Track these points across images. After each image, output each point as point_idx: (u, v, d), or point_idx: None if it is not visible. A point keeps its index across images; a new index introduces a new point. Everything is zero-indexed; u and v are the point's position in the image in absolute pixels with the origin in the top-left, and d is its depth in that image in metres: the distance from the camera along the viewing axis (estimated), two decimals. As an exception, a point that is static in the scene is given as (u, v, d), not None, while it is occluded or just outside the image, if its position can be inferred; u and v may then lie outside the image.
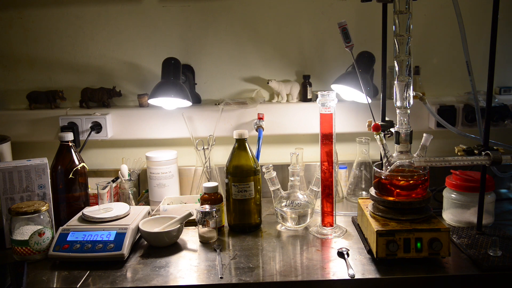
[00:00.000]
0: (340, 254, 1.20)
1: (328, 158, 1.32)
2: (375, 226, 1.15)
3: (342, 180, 1.68)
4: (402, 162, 1.21)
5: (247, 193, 1.36)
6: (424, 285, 1.10)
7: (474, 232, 1.28)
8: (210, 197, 1.38)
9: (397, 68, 1.19)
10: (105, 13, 1.69)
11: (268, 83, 1.67)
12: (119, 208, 1.36)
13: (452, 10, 1.20)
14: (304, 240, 1.31)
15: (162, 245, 1.28)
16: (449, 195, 1.39)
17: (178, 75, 1.60)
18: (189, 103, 1.59)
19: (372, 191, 1.25)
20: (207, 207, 1.31)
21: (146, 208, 1.42)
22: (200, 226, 1.31)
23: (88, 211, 1.33)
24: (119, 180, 1.58)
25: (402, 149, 1.22)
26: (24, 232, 1.21)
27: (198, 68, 1.74)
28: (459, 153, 1.25)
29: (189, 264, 1.18)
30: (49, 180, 1.34)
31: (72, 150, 1.43)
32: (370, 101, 1.44)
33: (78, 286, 1.08)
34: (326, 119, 1.30)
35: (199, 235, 1.32)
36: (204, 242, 1.31)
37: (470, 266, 1.12)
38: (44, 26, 1.71)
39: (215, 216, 1.31)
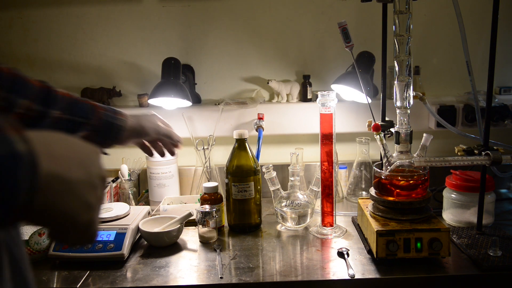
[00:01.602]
0: (340, 254, 1.20)
1: (328, 158, 1.32)
2: (375, 226, 1.15)
3: (342, 180, 1.68)
4: (402, 162, 1.21)
5: (247, 193, 1.36)
6: (424, 285, 1.10)
7: (474, 232, 1.28)
8: (210, 197, 1.38)
9: (397, 68, 1.19)
10: (105, 13, 1.69)
11: (268, 83, 1.67)
12: (119, 208, 1.36)
13: (452, 10, 1.20)
14: (304, 240, 1.31)
15: (162, 245, 1.28)
16: (449, 195, 1.39)
17: (178, 75, 1.60)
18: (189, 103, 1.59)
19: (372, 191, 1.25)
20: (207, 207, 1.31)
21: (146, 208, 1.42)
22: (200, 226, 1.31)
23: (88, 211, 1.33)
24: (119, 180, 1.58)
25: (402, 149, 1.22)
26: (24, 232, 1.21)
27: (198, 68, 1.74)
28: (459, 153, 1.25)
29: (189, 264, 1.18)
30: (49, 180, 1.33)
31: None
32: (370, 101, 1.44)
33: (78, 286, 1.08)
34: (326, 119, 1.30)
35: (199, 235, 1.32)
36: (204, 242, 1.31)
37: (470, 266, 1.12)
38: (44, 26, 1.71)
39: (215, 216, 1.31)
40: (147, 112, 1.12)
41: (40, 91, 0.87)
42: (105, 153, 0.99)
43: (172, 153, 1.16)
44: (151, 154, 1.15)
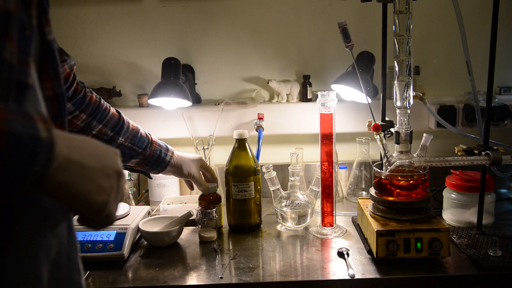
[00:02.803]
0: (340, 254, 1.20)
1: (328, 158, 1.32)
2: (375, 226, 1.15)
3: (342, 180, 1.68)
4: (402, 162, 1.21)
5: (247, 193, 1.36)
6: (424, 285, 1.10)
7: (474, 232, 1.28)
8: (208, 197, 1.37)
9: (397, 68, 1.19)
10: (105, 13, 1.69)
11: (268, 83, 1.67)
12: (119, 208, 1.35)
13: (452, 10, 1.20)
14: (304, 240, 1.31)
15: (162, 245, 1.28)
16: (449, 195, 1.39)
17: (178, 75, 1.60)
18: (189, 103, 1.59)
19: (372, 191, 1.25)
20: (206, 207, 1.31)
21: (146, 208, 1.42)
22: (200, 226, 1.31)
23: (88, 211, 1.33)
24: (119, 180, 1.57)
25: (402, 149, 1.22)
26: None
27: (198, 68, 1.74)
28: (459, 153, 1.25)
29: (189, 264, 1.18)
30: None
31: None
32: (370, 101, 1.43)
33: (78, 286, 1.08)
34: (326, 119, 1.30)
35: (199, 235, 1.32)
36: (204, 242, 1.31)
37: (470, 266, 1.12)
38: (44, 26, 1.70)
39: (215, 216, 1.31)
40: (194, 156, 1.31)
41: (114, 121, 1.10)
42: (150, 177, 1.31)
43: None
44: (191, 188, 1.37)
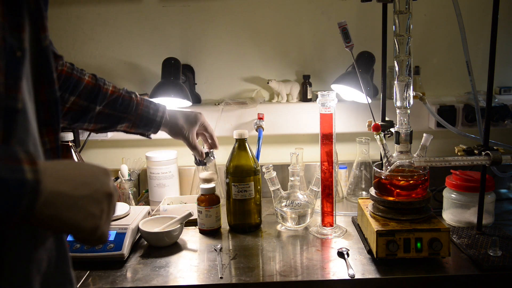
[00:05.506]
0: (340, 254, 1.20)
1: (328, 158, 1.32)
2: (375, 226, 1.15)
3: (342, 180, 1.68)
4: (402, 162, 1.21)
5: (247, 193, 1.36)
6: (424, 285, 1.10)
7: (474, 232, 1.28)
8: (206, 198, 1.37)
9: (397, 68, 1.19)
10: (105, 13, 1.69)
11: (268, 83, 1.67)
12: (119, 208, 1.35)
13: (452, 10, 1.20)
14: (304, 240, 1.31)
15: (162, 245, 1.28)
16: (449, 195, 1.39)
17: (178, 75, 1.60)
18: (189, 103, 1.59)
19: (372, 191, 1.25)
20: (205, 148, 1.31)
21: (146, 208, 1.42)
22: (201, 168, 1.31)
23: (88, 211, 1.33)
24: (119, 180, 1.58)
25: (402, 149, 1.22)
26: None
27: (198, 68, 1.74)
28: (459, 153, 1.25)
29: (189, 264, 1.18)
30: (49, 180, 1.34)
31: (72, 150, 1.43)
32: (370, 101, 1.43)
33: (78, 286, 1.08)
34: (326, 119, 1.30)
35: (199, 178, 1.34)
36: (206, 182, 1.35)
37: (470, 266, 1.12)
38: (44, 26, 1.70)
39: (214, 157, 1.33)
40: (190, 112, 1.23)
41: (89, 89, 1.02)
42: (149, 137, 1.21)
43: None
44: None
